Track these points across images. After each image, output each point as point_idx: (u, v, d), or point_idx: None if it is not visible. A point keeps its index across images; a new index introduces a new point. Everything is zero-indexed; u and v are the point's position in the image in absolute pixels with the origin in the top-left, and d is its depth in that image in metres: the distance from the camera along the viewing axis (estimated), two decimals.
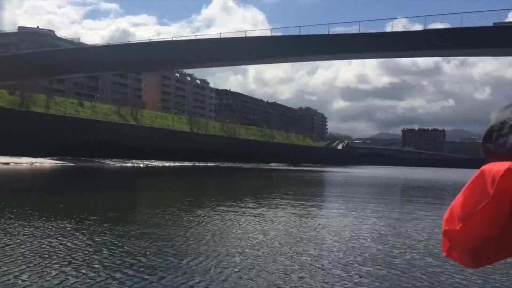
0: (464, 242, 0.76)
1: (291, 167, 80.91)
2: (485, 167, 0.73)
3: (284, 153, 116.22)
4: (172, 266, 6.64)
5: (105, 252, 7.45)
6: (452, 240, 0.78)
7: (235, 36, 50.09)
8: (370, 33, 43.24)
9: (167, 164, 64.20)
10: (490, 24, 37.73)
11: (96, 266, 6.50)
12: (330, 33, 44.92)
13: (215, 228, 10.35)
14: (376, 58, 50.18)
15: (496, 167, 0.70)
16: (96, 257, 7.06)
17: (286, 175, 45.95)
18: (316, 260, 7.37)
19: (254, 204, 16.01)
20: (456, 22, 42.51)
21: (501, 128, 0.76)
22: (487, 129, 0.79)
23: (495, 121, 0.78)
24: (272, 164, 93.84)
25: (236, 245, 8.39)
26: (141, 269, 6.41)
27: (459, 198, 0.76)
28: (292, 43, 45.37)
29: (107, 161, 58.79)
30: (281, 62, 58.04)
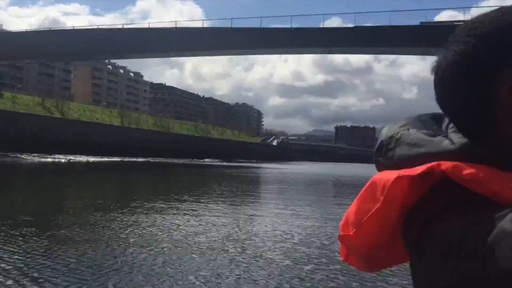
0: (357, 247, 0.81)
1: (225, 163, 79.80)
2: (376, 176, 0.78)
3: (219, 149, 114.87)
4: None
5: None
6: (347, 245, 0.82)
7: (166, 26, 47.96)
8: (302, 28, 42.75)
9: (92, 159, 60.78)
10: (417, 23, 38.29)
11: None
12: (264, 27, 43.98)
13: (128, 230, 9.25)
14: (308, 53, 49.88)
15: (386, 176, 0.75)
16: None
17: (219, 172, 44.71)
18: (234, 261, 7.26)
19: (165, 203, 14.65)
20: (385, 21, 42.96)
21: (389, 143, 0.83)
22: (378, 144, 0.85)
23: (385, 136, 0.85)
24: (206, 160, 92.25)
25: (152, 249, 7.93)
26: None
27: (353, 206, 0.80)
28: (223, 35, 44.07)
29: (25, 156, 54.45)
30: (212, 55, 56.53)
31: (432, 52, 40.45)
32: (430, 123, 0.85)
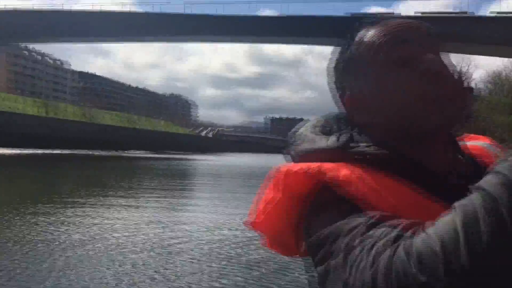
0: (266, 234, 0.90)
1: (156, 155, 77.35)
2: (281, 167, 0.85)
3: (150, 141, 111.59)
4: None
5: None
6: (258, 231, 0.90)
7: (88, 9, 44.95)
8: (229, 16, 41.56)
9: (9, 151, 56.41)
10: (347, 14, 38.24)
11: None
12: (189, 13, 42.32)
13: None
14: (235, 42, 48.67)
15: (285, 169, 0.83)
16: None
17: (148, 165, 42.80)
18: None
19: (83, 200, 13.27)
20: (317, 11, 42.50)
21: (291, 138, 0.95)
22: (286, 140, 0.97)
23: (290, 133, 0.97)
24: (137, 152, 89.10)
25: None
26: None
27: (261, 194, 0.88)
28: (146, 21, 41.94)
29: None
30: (136, 42, 54.14)
31: None
32: (332, 122, 0.96)
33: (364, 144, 0.85)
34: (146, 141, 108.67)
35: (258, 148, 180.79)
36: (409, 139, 0.84)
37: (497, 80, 60.40)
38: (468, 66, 68.01)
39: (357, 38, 0.89)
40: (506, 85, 54.59)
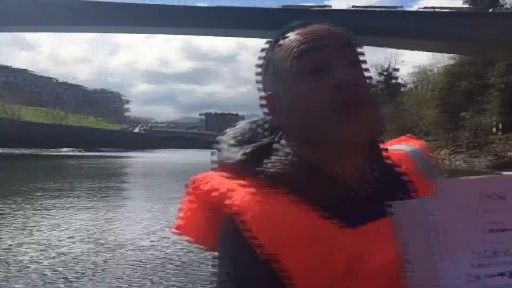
0: (191, 238, 0.92)
1: (85, 153, 73.75)
2: (195, 179, 0.88)
3: (78, 137, 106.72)
4: None
5: None
6: (183, 236, 0.93)
7: None
8: (157, 5, 39.91)
9: None
10: (275, 6, 37.86)
11: None
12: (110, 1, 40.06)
13: None
14: (160, 33, 46.79)
15: (197, 183, 0.87)
16: None
17: (77, 163, 40.29)
18: None
19: None
20: (243, 2, 41.72)
21: (215, 144, 0.95)
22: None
23: (218, 137, 0.97)
24: (63, 150, 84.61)
25: None
26: None
27: (183, 199, 0.91)
28: (72, 9, 39.33)
29: None
30: (61, 32, 50.99)
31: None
32: (255, 128, 0.96)
33: (276, 157, 0.85)
34: (75, 138, 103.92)
35: (193, 144, 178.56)
36: (323, 148, 0.84)
37: (423, 75, 63.01)
38: (396, 62, 70.52)
39: (280, 41, 0.89)
40: (431, 79, 56.94)
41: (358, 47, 0.87)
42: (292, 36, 0.87)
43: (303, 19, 0.90)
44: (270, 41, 0.92)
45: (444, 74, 48.84)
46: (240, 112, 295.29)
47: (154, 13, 39.43)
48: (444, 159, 36.77)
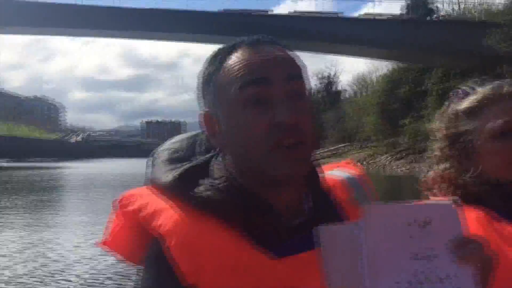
0: (118, 253, 0.90)
1: (15, 164, 69.25)
2: (124, 196, 0.87)
3: (8, 147, 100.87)
4: None
5: None
6: (110, 251, 0.92)
7: None
8: (91, 6, 37.85)
9: None
10: (216, 10, 36.78)
11: None
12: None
13: None
14: (99, 37, 44.50)
15: (126, 201, 0.85)
16: None
17: (6, 175, 37.10)
18: None
19: None
20: (182, 5, 40.12)
21: (151, 159, 0.93)
22: None
23: (153, 151, 0.94)
24: None
25: None
26: None
27: (112, 214, 0.89)
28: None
29: None
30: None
31: (225, 40, 39.56)
32: (192, 144, 0.93)
33: (210, 180, 0.83)
34: (4, 148, 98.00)
35: (133, 153, 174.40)
36: (258, 177, 0.83)
37: (363, 82, 64.16)
38: (336, 70, 71.58)
39: (224, 60, 0.85)
40: (371, 86, 57.97)
41: (303, 70, 0.85)
42: (237, 59, 0.83)
43: (252, 37, 0.87)
44: (214, 55, 0.88)
45: (383, 81, 49.74)
46: (182, 120, 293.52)
47: (89, 15, 37.29)
48: (385, 165, 37.06)
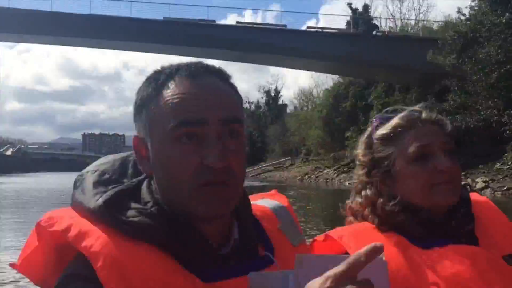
0: (29, 277, 0.89)
1: None
2: (46, 218, 0.83)
3: None
4: None
5: None
6: (23, 274, 0.90)
7: None
8: (19, 9, 35.25)
9: None
10: (160, 18, 35.31)
11: None
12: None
13: None
14: (31, 42, 41.55)
15: (48, 222, 0.82)
16: None
17: None
18: None
19: None
20: (122, 12, 37.98)
21: (77, 181, 0.89)
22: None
23: (81, 172, 0.92)
24: None
25: None
26: None
27: (30, 237, 0.86)
28: None
29: None
30: None
31: (176, 51, 38.64)
32: (121, 166, 0.91)
33: (138, 206, 0.82)
34: None
35: (70, 167, 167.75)
36: (183, 211, 0.82)
37: (308, 96, 64.58)
38: (281, 84, 71.61)
39: (160, 90, 0.82)
40: (315, 100, 58.35)
41: (239, 106, 0.84)
42: (174, 92, 0.81)
43: (191, 65, 0.84)
44: (153, 77, 0.85)
45: (327, 95, 50.06)
46: (121, 133, 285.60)
47: (22, 19, 34.77)
48: (332, 178, 36.85)
